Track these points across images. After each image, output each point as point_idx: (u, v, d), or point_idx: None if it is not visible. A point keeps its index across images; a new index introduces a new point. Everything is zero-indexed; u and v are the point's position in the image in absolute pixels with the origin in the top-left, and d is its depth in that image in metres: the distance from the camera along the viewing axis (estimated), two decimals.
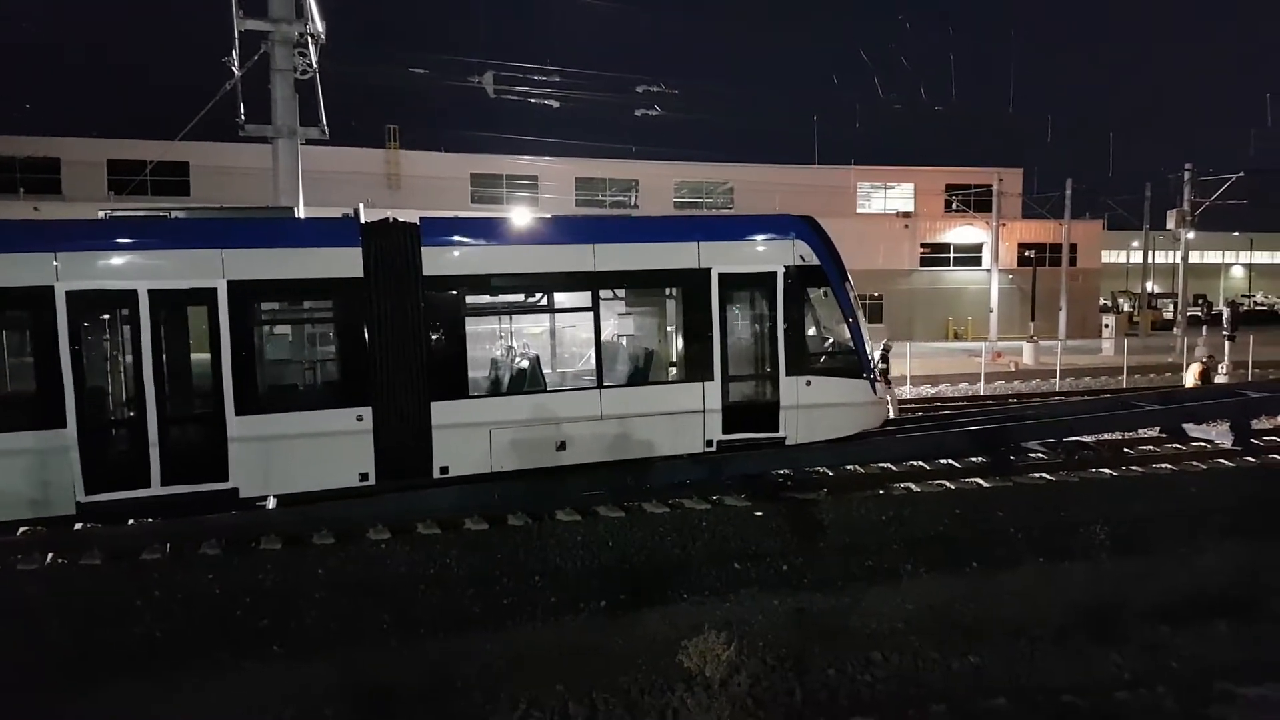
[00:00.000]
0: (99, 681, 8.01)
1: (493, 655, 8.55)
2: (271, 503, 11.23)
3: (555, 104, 30.82)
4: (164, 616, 9.15)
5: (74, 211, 29.45)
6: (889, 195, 55.63)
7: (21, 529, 10.48)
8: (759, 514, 11.64)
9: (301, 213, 14.33)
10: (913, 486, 13.06)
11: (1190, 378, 20.10)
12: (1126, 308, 63.79)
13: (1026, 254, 49.39)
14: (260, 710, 7.53)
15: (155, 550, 10.24)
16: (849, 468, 13.78)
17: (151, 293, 10.56)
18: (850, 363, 13.37)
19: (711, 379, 12.63)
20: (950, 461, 14.27)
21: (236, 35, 16.66)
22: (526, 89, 30.22)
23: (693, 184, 52.22)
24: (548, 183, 48.76)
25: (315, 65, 17.39)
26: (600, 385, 12.34)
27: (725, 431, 12.70)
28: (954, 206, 53.65)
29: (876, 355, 19.27)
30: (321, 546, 10.49)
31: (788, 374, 12.88)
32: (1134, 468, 14.26)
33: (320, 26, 17.48)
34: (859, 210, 53.24)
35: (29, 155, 40.78)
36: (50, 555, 10.06)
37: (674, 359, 13.12)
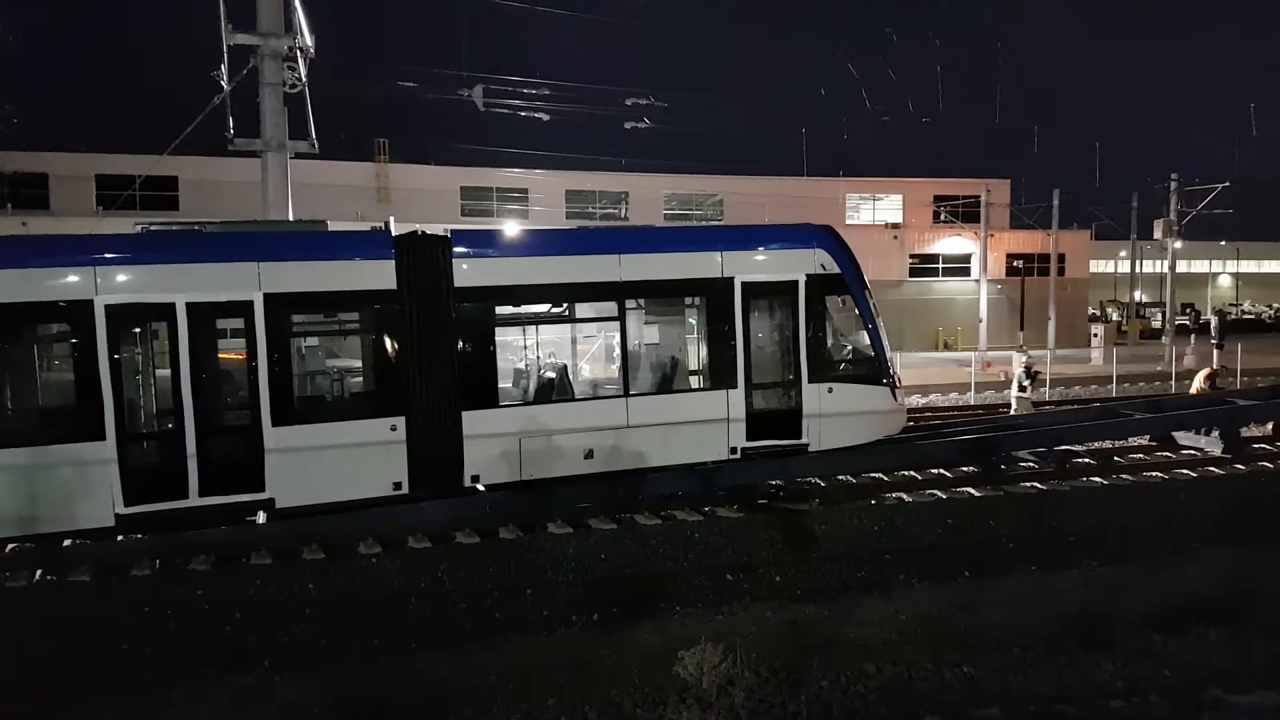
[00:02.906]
0: (87, 698, 7.94)
1: (485, 669, 8.51)
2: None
3: (545, 117, 30.89)
4: (154, 632, 9.08)
5: (63, 226, 29.33)
6: (878, 206, 55.87)
7: (67, 541, 10.50)
8: (751, 525, 11.64)
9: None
10: (904, 496, 13.07)
11: (1198, 381, 20.44)
12: (1115, 317, 64.12)
13: (1015, 264, 49.66)
14: None
15: (145, 566, 10.18)
16: (840, 478, 13.80)
17: (189, 306, 10.63)
18: (871, 370, 13.46)
19: (735, 387, 12.73)
20: (941, 471, 14.29)
21: (225, 49, 16.66)
22: (516, 102, 30.27)
23: (682, 196, 52.32)
24: (538, 195, 48.80)
25: (304, 79, 17.41)
26: (626, 394, 12.41)
27: (749, 439, 12.78)
28: (942, 217, 53.88)
29: (1020, 371, 19.53)
30: (312, 561, 10.44)
31: (810, 381, 12.96)
32: (1124, 476, 14.30)
33: (309, 40, 17.51)
34: (848, 221, 53.40)
35: (16, 170, 40.59)
36: (39, 572, 10.00)
37: (698, 367, 13.22)
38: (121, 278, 10.53)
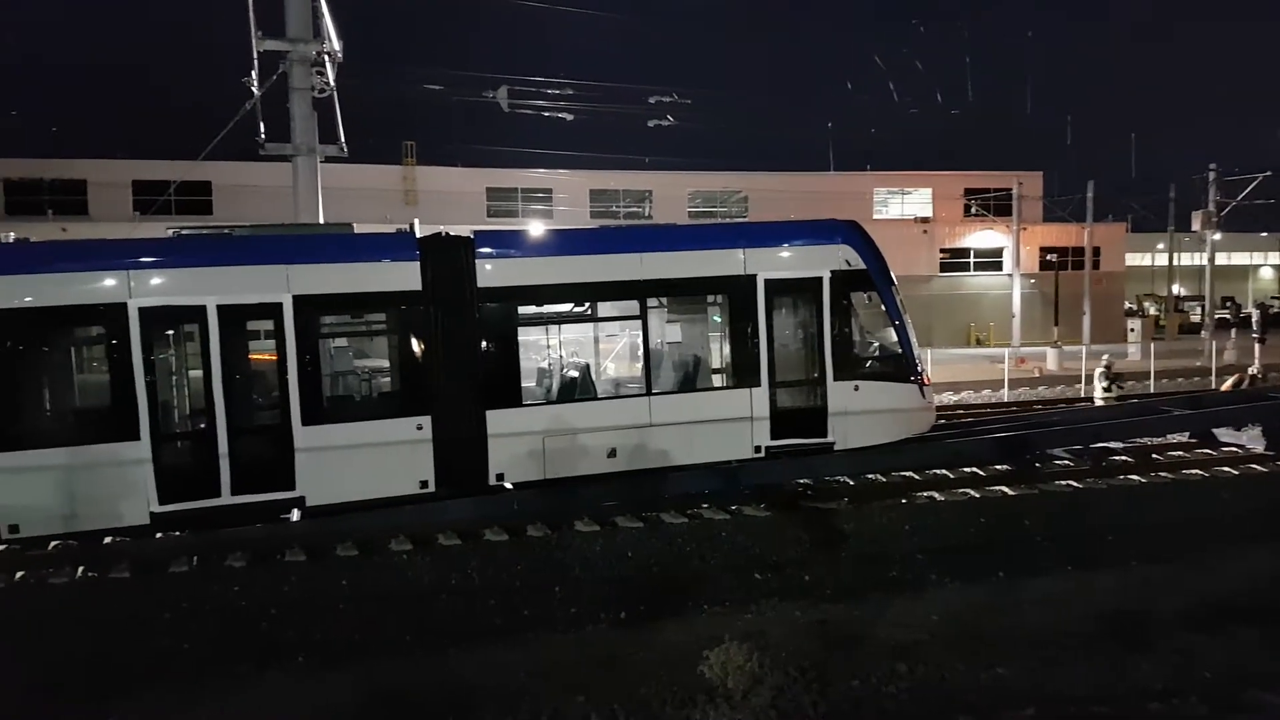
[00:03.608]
0: (126, 692, 8.06)
1: (514, 666, 8.53)
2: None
3: (569, 116, 31.01)
4: (191, 628, 9.22)
5: (99, 231, 29.82)
6: (906, 201, 55.36)
7: (106, 539, 10.72)
8: (779, 524, 11.58)
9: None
10: (936, 495, 12.95)
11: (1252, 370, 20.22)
12: (1152, 311, 63.02)
13: (1048, 258, 48.95)
14: None
15: (183, 563, 10.35)
16: (870, 476, 13.69)
17: (220, 308, 10.82)
18: (898, 367, 13.36)
19: (759, 385, 12.68)
20: (975, 469, 14.13)
21: (255, 56, 16.90)
22: (540, 102, 30.40)
23: (707, 194, 52.17)
24: (562, 195, 48.92)
25: (332, 84, 17.61)
26: (649, 393, 12.43)
27: (773, 438, 12.75)
28: (973, 211, 53.30)
29: (1100, 371, 19.41)
30: (345, 558, 10.56)
31: (835, 379, 12.89)
32: (1163, 474, 14.07)
33: (337, 45, 17.70)
34: (875, 216, 52.98)
35: (56, 177, 41.38)
36: (80, 569, 10.20)
37: (721, 366, 13.22)
38: (154, 281, 10.72)
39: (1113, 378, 21.57)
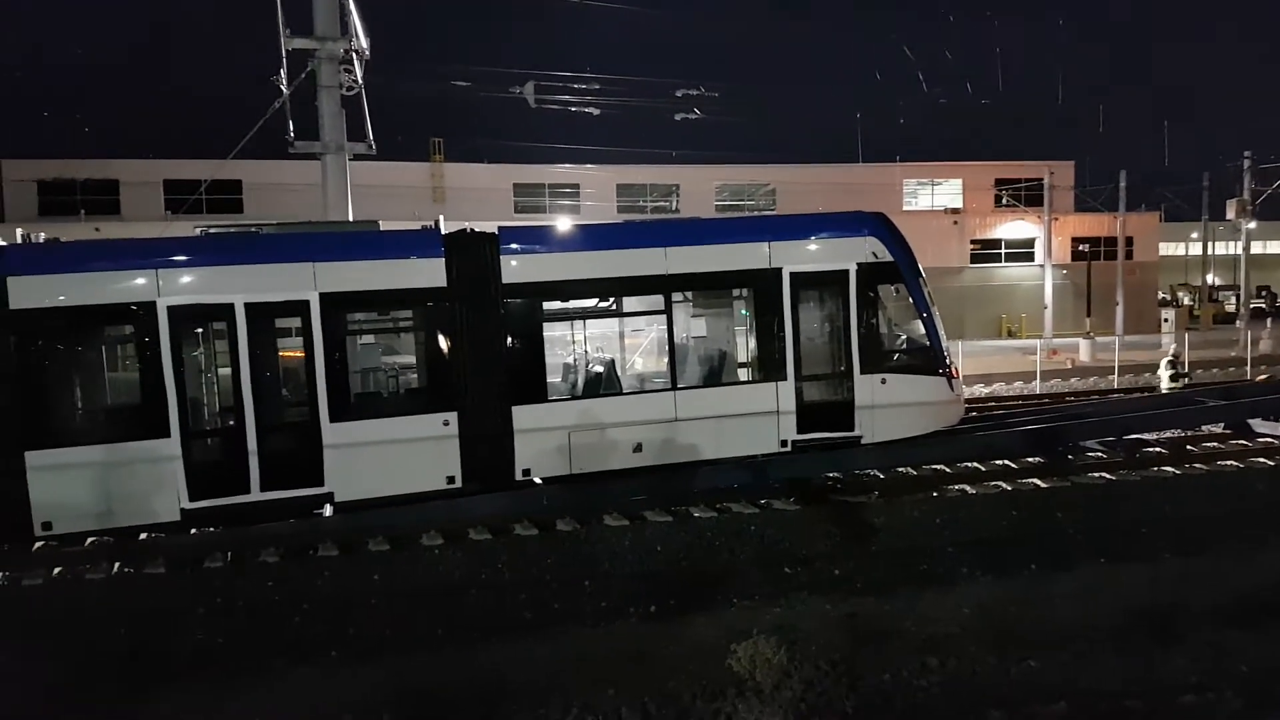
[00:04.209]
0: (160, 686, 8.20)
1: (544, 660, 8.58)
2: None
3: (595, 111, 31.01)
4: (224, 623, 9.36)
5: (132, 231, 30.28)
6: (936, 192, 54.87)
7: (142, 535, 10.91)
8: (808, 518, 11.55)
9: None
10: (967, 488, 12.86)
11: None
12: (1186, 301, 62.09)
13: (1080, 248, 48.34)
14: (318, 716, 7.64)
15: (216, 559, 10.50)
16: (901, 469, 13.61)
17: (248, 306, 10.94)
18: (926, 360, 13.26)
19: (785, 379, 12.65)
20: (1006, 462, 14.01)
21: (284, 54, 17.04)
22: (566, 97, 30.43)
23: (734, 186, 52.04)
24: (589, 190, 49.00)
25: (360, 81, 17.71)
26: (674, 387, 12.44)
27: (800, 431, 12.70)
28: (1004, 201, 52.71)
29: (1165, 362, 19.02)
30: (376, 553, 10.66)
31: (862, 372, 12.82)
32: (1197, 466, 13.87)
33: (364, 43, 17.81)
34: (905, 208, 52.60)
35: (89, 177, 42.01)
36: (116, 564, 10.38)
37: (747, 360, 13.18)
38: (183, 279, 10.85)
39: (1179, 368, 21.07)
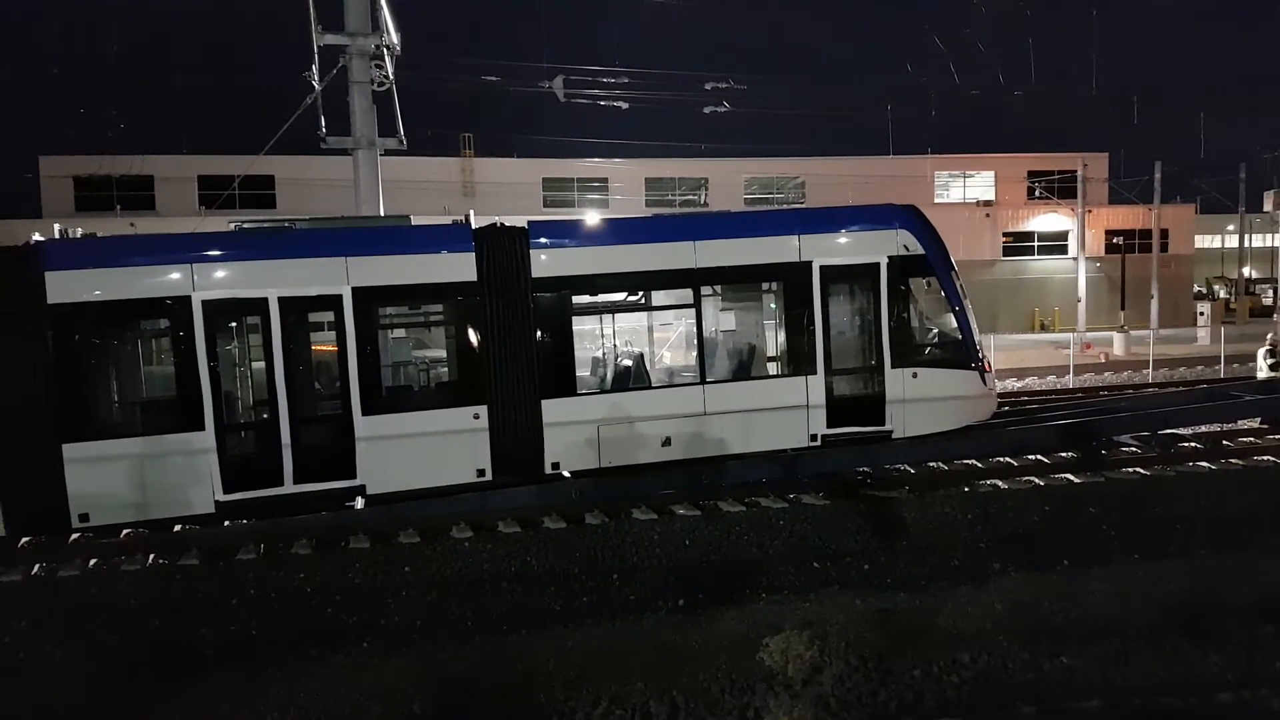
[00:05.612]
0: (196, 675, 8.34)
1: (573, 652, 8.63)
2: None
3: (624, 105, 31.00)
4: (259, 613, 9.50)
5: (166, 226, 30.71)
6: (968, 184, 54.29)
7: (177, 527, 11.08)
8: (838, 513, 11.50)
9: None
10: (1000, 483, 12.73)
11: None
12: (1222, 294, 60.97)
13: (1115, 241, 47.59)
14: (350, 705, 7.74)
15: (250, 550, 10.64)
16: (932, 464, 13.50)
17: (281, 300, 11.07)
18: (958, 354, 13.14)
19: (815, 373, 12.59)
20: (1039, 457, 13.85)
21: (316, 50, 17.15)
22: (596, 91, 30.45)
23: (763, 180, 51.78)
24: (618, 184, 48.97)
25: (391, 76, 17.80)
26: (703, 381, 12.42)
27: (830, 426, 12.64)
28: (1037, 194, 52.06)
29: (1264, 350, 18.36)
30: (408, 545, 10.76)
31: (893, 366, 12.74)
32: (1233, 461, 13.64)
33: (395, 38, 17.89)
34: (936, 200, 52.08)
35: (125, 174, 42.62)
36: (151, 556, 10.55)
37: (776, 353, 13.14)
38: (217, 274, 10.98)
39: (1278, 356, 20.51)
